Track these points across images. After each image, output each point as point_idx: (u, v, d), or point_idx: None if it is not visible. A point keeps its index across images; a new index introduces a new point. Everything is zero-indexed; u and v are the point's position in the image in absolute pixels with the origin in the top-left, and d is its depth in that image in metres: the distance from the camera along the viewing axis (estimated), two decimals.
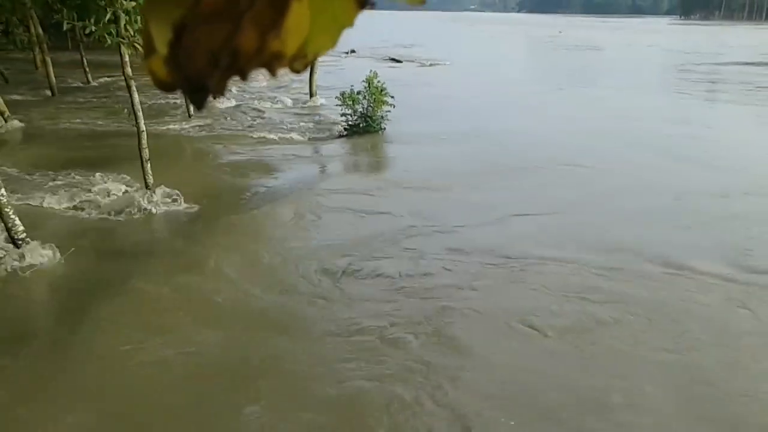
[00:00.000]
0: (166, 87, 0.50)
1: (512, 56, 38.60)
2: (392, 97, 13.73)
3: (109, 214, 9.08)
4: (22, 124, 15.09)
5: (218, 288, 6.73)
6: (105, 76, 23.19)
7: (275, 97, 19.25)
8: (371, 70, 14.12)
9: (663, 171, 11.42)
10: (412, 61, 29.31)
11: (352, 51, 33.28)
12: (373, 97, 13.68)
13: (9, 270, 6.98)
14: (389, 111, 13.90)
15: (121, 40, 8.86)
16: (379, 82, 13.62)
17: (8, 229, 7.22)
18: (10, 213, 7.26)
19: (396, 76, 16.48)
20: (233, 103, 18.45)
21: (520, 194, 10.04)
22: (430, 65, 28.28)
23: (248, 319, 6.10)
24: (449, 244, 7.85)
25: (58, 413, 4.67)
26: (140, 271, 7.33)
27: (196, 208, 9.38)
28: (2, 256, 7.14)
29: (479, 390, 4.94)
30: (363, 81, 13.75)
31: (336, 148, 13.56)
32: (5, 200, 7.24)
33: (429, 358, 5.36)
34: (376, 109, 13.85)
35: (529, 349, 5.55)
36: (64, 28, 10.62)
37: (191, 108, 15.94)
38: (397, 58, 30.08)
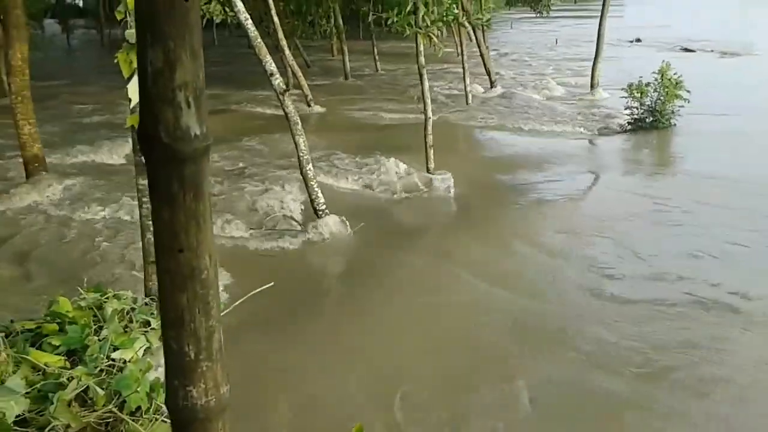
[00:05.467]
0: None
1: None
2: (688, 91, 12.56)
3: (394, 194, 9.70)
4: (321, 108, 16.76)
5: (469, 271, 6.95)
6: (390, 65, 24.77)
7: (552, 88, 18.86)
8: (664, 61, 13.09)
9: None
10: (709, 51, 26.45)
11: (638, 40, 31.23)
12: (665, 90, 12.66)
13: (311, 236, 7.84)
14: (682, 106, 12.76)
15: (419, 30, 9.33)
16: (674, 74, 12.57)
17: (312, 201, 8.11)
18: (315, 186, 8.12)
19: (688, 67, 15.02)
20: (509, 91, 18.48)
21: None
22: (733, 55, 25.08)
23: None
24: None
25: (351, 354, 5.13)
26: (415, 246, 7.80)
27: (468, 195, 9.61)
28: (307, 223, 8.09)
29: None
30: (654, 72, 12.80)
31: (617, 144, 12.85)
32: (311, 174, 8.11)
33: None
34: (666, 102, 12.82)
35: None
36: (369, 19, 11.54)
37: (470, 97, 16.35)
38: (689, 47, 27.48)
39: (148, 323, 5.22)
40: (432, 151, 9.92)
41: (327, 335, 5.78)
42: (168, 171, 1.03)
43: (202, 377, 1.10)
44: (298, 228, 8.09)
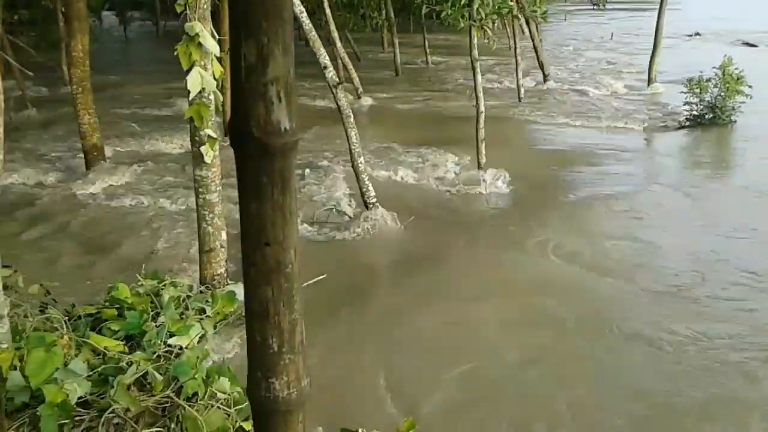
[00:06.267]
0: None
1: None
2: (749, 86, 12.14)
3: (444, 188, 9.66)
4: (371, 101, 16.77)
5: (524, 267, 6.93)
6: (441, 58, 24.59)
7: (607, 83, 18.45)
8: (725, 55, 12.66)
9: None
10: None
11: (697, 34, 30.28)
12: (726, 85, 12.25)
13: (362, 228, 7.87)
14: (743, 102, 12.34)
15: (473, 22, 9.24)
16: (735, 69, 12.16)
17: (362, 193, 8.13)
18: (365, 179, 8.14)
19: (750, 62, 14.46)
20: (562, 85, 18.17)
21: None
22: None
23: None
24: None
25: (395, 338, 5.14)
26: (466, 241, 7.78)
27: (519, 190, 9.49)
28: (357, 215, 8.11)
29: None
30: (715, 67, 12.40)
31: (674, 141, 12.50)
32: (362, 167, 8.14)
33: None
34: (727, 98, 12.41)
35: None
36: (423, 12, 11.48)
37: (522, 91, 16.14)
38: (750, 41, 26.49)
39: (203, 311, 5.34)
40: (484, 145, 9.82)
41: (376, 327, 5.80)
42: (257, 165, 1.04)
43: (285, 370, 1.12)
44: (349, 221, 8.13)
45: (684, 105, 13.03)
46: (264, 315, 1.07)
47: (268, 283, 1.06)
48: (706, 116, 12.64)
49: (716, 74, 12.34)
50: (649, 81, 17.00)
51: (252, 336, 1.08)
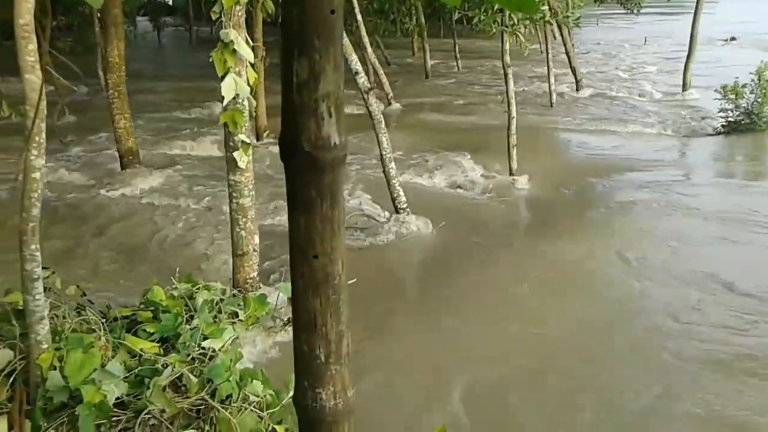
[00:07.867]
0: None
1: None
2: None
3: (475, 194, 9.65)
4: (401, 106, 16.79)
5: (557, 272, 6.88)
6: (471, 63, 24.51)
7: (640, 89, 18.25)
8: (762, 61, 12.45)
9: None
10: None
11: (732, 39, 29.76)
12: (763, 91, 12.03)
13: (393, 233, 7.88)
14: None
15: (505, 28, 9.22)
16: None
17: (393, 199, 8.15)
18: (396, 185, 8.16)
19: None
20: (595, 91, 18.00)
21: None
22: None
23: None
24: None
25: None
26: (497, 248, 7.74)
27: (551, 198, 9.43)
28: (388, 221, 8.12)
29: None
30: (750, 73, 12.20)
31: (709, 147, 12.32)
32: (393, 173, 8.16)
33: None
34: (763, 104, 12.19)
35: None
36: (454, 18, 11.49)
37: (554, 97, 16.02)
38: None
39: (235, 314, 5.40)
40: (515, 151, 9.78)
41: (405, 332, 5.80)
42: (307, 178, 1.06)
43: (331, 380, 1.13)
44: (381, 225, 8.14)
45: (719, 111, 12.84)
46: (311, 326, 1.09)
47: (316, 294, 1.08)
48: (743, 122, 12.44)
49: (752, 80, 12.14)
50: (684, 86, 16.78)
51: (299, 346, 1.10)
